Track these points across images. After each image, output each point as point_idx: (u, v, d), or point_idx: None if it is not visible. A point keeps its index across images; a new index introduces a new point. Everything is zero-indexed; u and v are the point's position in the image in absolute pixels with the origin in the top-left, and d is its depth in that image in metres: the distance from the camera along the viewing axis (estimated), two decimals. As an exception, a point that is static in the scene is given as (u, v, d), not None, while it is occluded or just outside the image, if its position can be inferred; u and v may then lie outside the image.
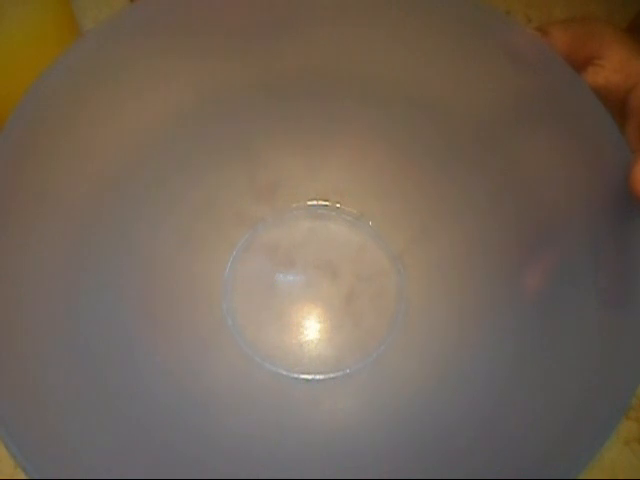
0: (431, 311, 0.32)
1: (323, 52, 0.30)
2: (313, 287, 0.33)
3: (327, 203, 0.34)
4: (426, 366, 0.31)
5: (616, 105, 0.26)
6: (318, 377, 0.31)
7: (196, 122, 0.31)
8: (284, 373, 0.31)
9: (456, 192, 0.32)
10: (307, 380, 0.31)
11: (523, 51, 0.26)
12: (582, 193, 0.27)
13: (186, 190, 0.32)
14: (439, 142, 0.31)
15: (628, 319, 0.24)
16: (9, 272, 0.26)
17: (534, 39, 0.26)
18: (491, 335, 0.30)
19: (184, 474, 0.27)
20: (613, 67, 0.26)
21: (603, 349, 0.25)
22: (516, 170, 0.29)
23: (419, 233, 0.33)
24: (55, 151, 0.27)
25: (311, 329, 0.32)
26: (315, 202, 0.34)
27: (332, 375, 0.31)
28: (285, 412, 0.30)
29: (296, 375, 0.31)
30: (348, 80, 0.31)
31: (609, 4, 0.39)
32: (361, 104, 0.32)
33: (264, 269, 0.33)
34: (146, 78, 0.29)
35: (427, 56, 0.29)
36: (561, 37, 0.26)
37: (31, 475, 0.22)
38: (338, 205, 0.34)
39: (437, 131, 0.31)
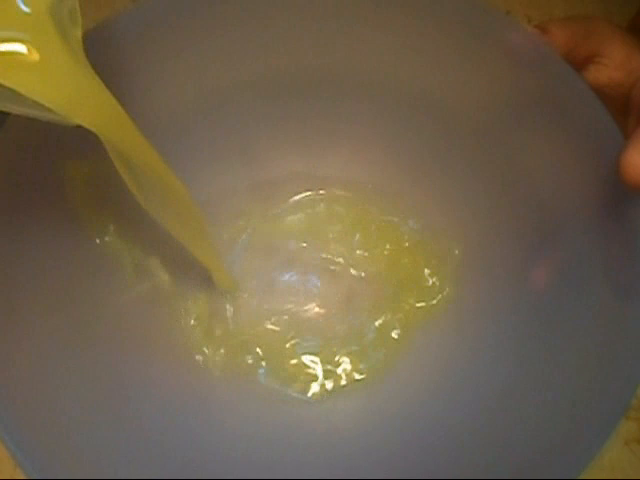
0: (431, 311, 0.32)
1: (324, 52, 0.30)
2: (312, 286, 0.33)
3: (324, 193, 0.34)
4: (426, 366, 0.31)
5: (618, 102, 0.26)
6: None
7: (194, 122, 0.31)
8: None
9: (456, 191, 0.32)
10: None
11: (522, 49, 0.26)
12: (581, 191, 0.27)
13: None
14: (439, 141, 0.31)
15: (628, 319, 0.24)
16: (10, 275, 0.26)
17: (533, 37, 0.26)
18: (491, 335, 0.30)
19: (184, 474, 0.27)
20: (615, 64, 0.26)
21: (603, 349, 0.25)
22: (515, 169, 0.29)
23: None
24: (54, 152, 0.27)
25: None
26: (312, 194, 0.34)
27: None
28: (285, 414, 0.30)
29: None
30: (347, 80, 0.31)
31: (608, 4, 0.39)
32: (361, 103, 0.32)
33: (263, 269, 0.33)
34: (146, 77, 0.29)
35: (427, 55, 0.29)
36: (560, 35, 0.26)
37: (31, 475, 0.22)
38: (338, 205, 0.34)
39: (437, 130, 0.31)
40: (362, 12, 0.28)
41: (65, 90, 0.20)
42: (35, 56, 0.20)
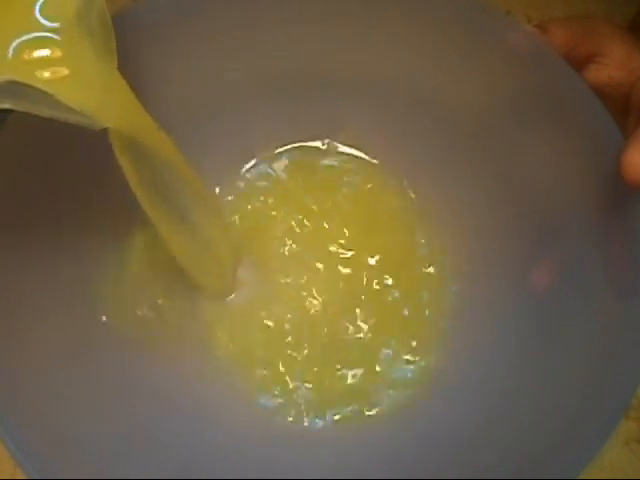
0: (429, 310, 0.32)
1: (324, 53, 0.30)
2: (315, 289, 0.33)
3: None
4: (425, 365, 0.31)
5: (618, 102, 0.26)
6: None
7: (194, 122, 0.31)
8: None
9: (456, 191, 0.32)
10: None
11: (522, 49, 0.26)
12: (582, 191, 0.27)
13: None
14: (439, 141, 0.31)
15: (628, 319, 0.24)
16: (11, 276, 0.26)
17: (533, 36, 0.26)
18: (491, 335, 0.30)
19: (184, 475, 0.27)
20: (615, 64, 0.26)
21: (603, 349, 0.25)
22: (515, 168, 0.29)
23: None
24: (55, 151, 0.27)
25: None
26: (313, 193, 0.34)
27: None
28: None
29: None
30: (348, 80, 0.31)
31: (609, 4, 0.39)
32: (361, 103, 0.32)
33: (265, 271, 0.33)
34: (146, 76, 0.29)
35: (427, 55, 0.29)
36: (560, 34, 0.26)
37: (31, 475, 0.22)
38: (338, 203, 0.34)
39: (436, 130, 0.31)
40: (363, 13, 0.28)
41: (94, 94, 0.21)
42: (65, 61, 0.21)
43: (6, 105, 0.20)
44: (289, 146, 0.34)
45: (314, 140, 0.34)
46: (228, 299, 0.32)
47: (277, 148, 0.34)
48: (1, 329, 0.25)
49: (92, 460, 0.25)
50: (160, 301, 0.31)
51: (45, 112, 0.21)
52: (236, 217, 0.33)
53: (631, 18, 0.36)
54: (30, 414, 0.24)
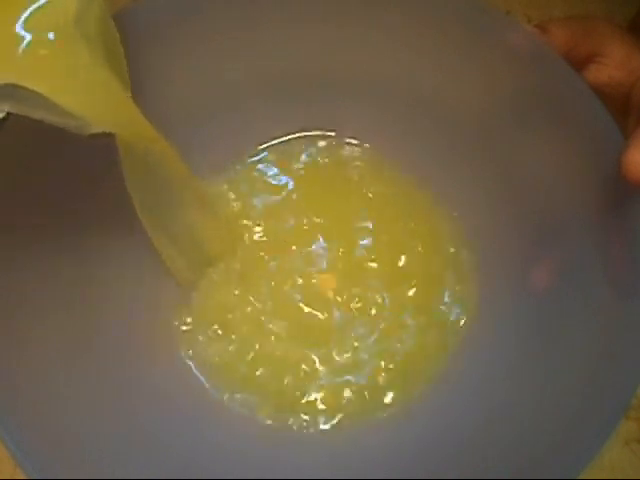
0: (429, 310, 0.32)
1: (325, 53, 0.30)
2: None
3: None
4: (425, 365, 0.31)
5: (618, 102, 0.26)
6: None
7: (194, 122, 0.31)
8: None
9: (456, 191, 0.32)
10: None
11: (522, 49, 0.26)
12: (582, 191, 0.27)
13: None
14: (439, 141, 0.31)
15: (628, 319, 0.24)
16: (12, 278, 0.26)
17: (533, 36, 0.26)
18: (491, 335, 0.30)
19: (184, 474, 0.27)
20: (615, 64, 0.26)
21: (603, 349, 0.25)
22: (515, 168, 0.29)
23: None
24: (55, 152, 0.27)
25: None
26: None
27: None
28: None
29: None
30: (348, 80, 0.31)
31: (609, 4, 0.39)
32: (361, 103, 0.32)
33: (265, 270, 0.33)
34: (146, 76, 0.29)
35: (427, 55, 0.29)
36: (560, 34, 0.26)
37: (31, 475, 0.22)
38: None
39: (436, 130, 0.31)
40: (363, 13, 0.28)
41: (83, 96, 0.21)
42: (57, 62, 0.21)
43: (4, 107, 0.20)
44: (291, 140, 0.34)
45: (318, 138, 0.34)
46: (226, 300, 0.32)
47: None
48: (1, 329, 0.25)
49: (92, 460, 0.25)
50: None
51: (38, 114, 0.21)
52: (231, 216, 0.33)
53: (631, 18, 0.36)
54: (30, 414, 0.24)
